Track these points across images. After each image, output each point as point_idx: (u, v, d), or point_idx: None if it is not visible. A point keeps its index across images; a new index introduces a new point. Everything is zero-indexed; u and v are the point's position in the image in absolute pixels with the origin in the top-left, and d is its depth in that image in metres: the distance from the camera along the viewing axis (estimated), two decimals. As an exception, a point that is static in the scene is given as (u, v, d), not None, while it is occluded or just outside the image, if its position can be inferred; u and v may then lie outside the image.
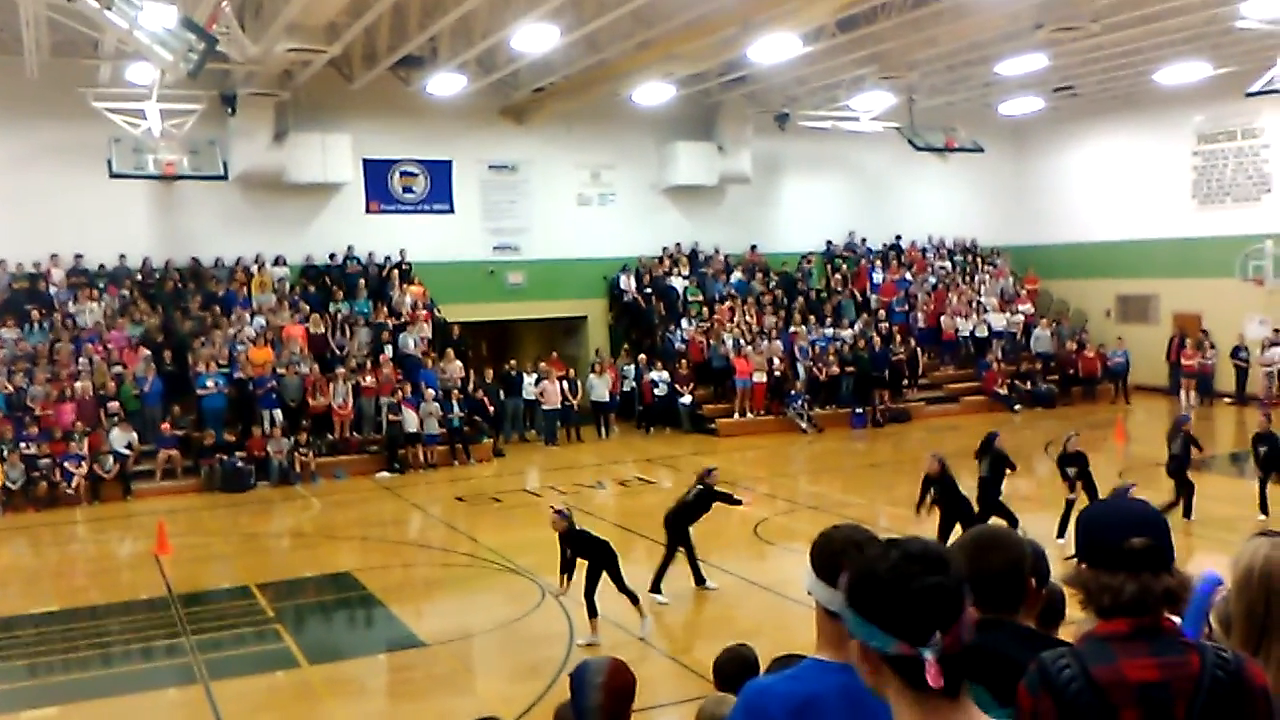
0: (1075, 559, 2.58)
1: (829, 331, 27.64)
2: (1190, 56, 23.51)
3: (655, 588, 12.38)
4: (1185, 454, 15.44)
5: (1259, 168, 27.24)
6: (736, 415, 25.51)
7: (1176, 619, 2.56)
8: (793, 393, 25.74)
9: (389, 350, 23.67)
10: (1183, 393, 27.30)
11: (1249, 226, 26.62)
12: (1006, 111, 29.48)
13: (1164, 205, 28.99)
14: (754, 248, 29.97)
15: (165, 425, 20.92)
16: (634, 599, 11.39)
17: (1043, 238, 32.20)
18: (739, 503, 13.62)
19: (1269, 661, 2.53)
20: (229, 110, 23.40)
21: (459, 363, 24.07)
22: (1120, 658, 2.37)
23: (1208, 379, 27.37)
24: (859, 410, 26.04)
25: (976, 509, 13.17)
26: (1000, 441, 14.12)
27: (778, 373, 25.93)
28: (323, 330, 23.85)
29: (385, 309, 24.87)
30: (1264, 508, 15.19)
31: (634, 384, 25.89)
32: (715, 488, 12.99)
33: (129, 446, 20.43)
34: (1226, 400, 26.85)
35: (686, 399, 25.66)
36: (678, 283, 28.18)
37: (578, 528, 11.46)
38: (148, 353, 21.93)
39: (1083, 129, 31.03)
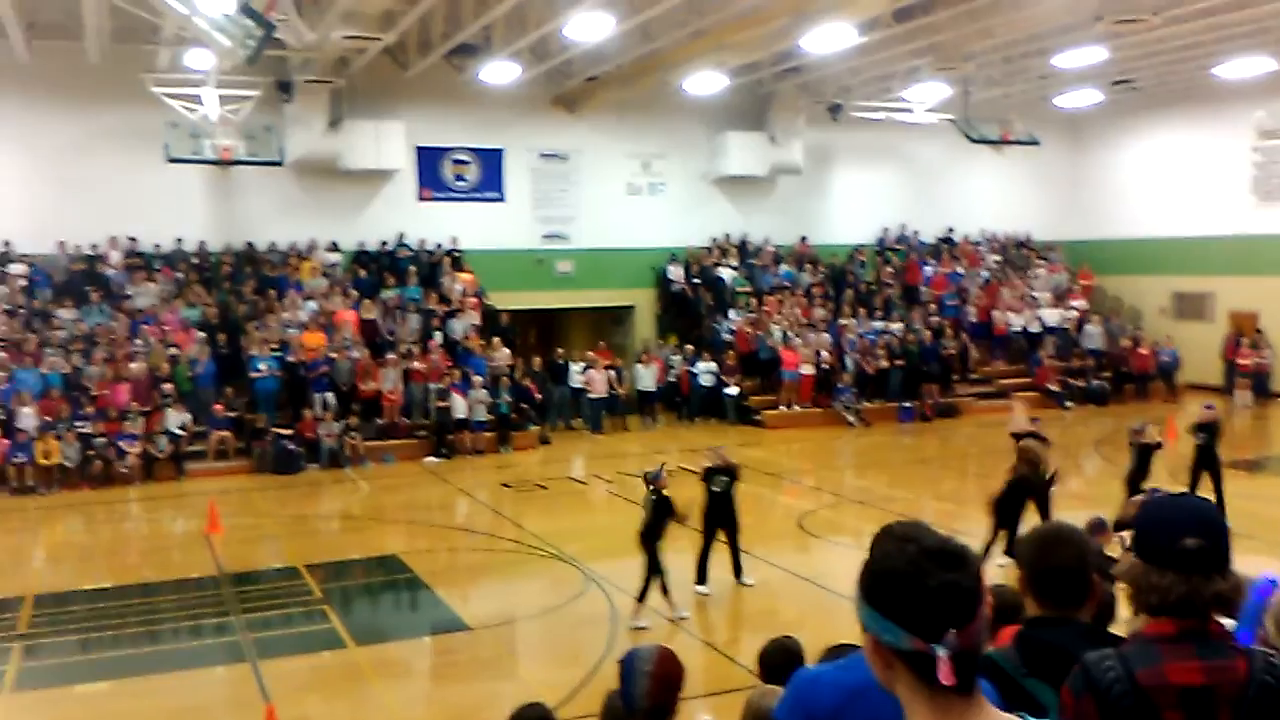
0: (1130, 552, 2.55)
1: (878, 324, 27.45)
2: (1252, 50, 23.06)
3: (700, 579, 12.34)
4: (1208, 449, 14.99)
5: (1322, 164, 26.68)
6: (783, 407, 25.42)
7: (1230, 621, 2.52)
8: (840, 386, 25.61)
9: (438, 337, 23.84)
10: (1238, 392, 26.85)
11: (1311, 224, 26.09)
12: (1063, 104, 29.07)
13: (1222, 201, 28.48)
14: (804, 239, 29.83)
15: (218, 407, 21.22)
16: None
17: (1098, 233, 31.77)
18: (683, 519, 11.72)
19: None
20: (285, 97, 23.64)
21: (507, 350, 24.19)
22: (1165, 660, 2.34)
23: (1264, 378, 26.91)
24: (907, 404, 25.86)
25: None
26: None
27: (825, 365, 25.80)
28: (374, 316, 24.06)
29: (436, 296, 25.03)
30: None
31: (680, 374, 25.88)
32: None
33: (182, 427, 20.76)
34: (1284, 401, 26.39)
35: (733, 390, 25.62)
36: (726, 273, 28.12)
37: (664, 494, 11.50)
38: (202, 335, 22.25)
39: (1141, 123, 30.55)
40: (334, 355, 22.45)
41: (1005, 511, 12.55)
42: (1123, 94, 28.47)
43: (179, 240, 24.28)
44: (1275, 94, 25.96)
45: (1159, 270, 30.16)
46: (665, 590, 11.43)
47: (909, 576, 2.00)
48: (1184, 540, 2.38)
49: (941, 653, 1.94)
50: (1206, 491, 14.38)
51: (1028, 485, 12.74)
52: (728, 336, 26.58)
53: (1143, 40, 22.19)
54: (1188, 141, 29.60)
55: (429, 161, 26.23)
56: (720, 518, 12.35)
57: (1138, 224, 30.62)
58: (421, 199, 26.29)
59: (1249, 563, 3.43)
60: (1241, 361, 27.04)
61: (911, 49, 22.76)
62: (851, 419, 25.18)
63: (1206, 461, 14.90)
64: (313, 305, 23.72)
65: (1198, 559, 2.37)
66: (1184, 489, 14.18)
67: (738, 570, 12.59)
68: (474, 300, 25.33)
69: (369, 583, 14.30)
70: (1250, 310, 27.99)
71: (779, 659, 5.35)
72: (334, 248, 25.43)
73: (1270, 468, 20.16)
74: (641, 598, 11.38)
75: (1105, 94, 28.21)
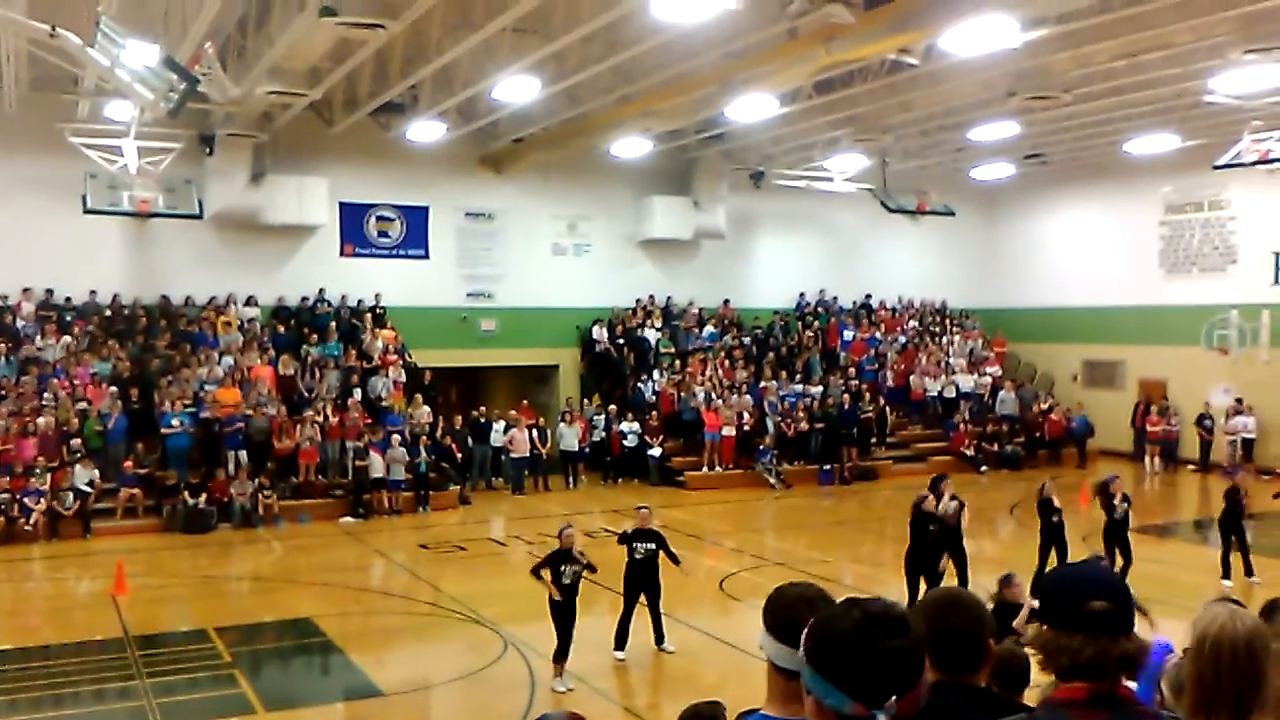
0: (1036, 621, 2.59)
1: (799, 388, 27.75)
2: (1159, 128, 23.98)
3: (619, 644, 12.20)
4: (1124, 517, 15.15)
5: (1225, 239, 27.73)
6: (705, 468, 25.49)
7: (1133, 684, 2.57)
8: (761, 447, 25.78)
9: (358, 394, 23.56)
10: (1147, 458, 27.53)
11: (1215, 296, 27.03)
12: (978, 177, 29.91)
13: (1132, 273, 29.41)
14: (727, 302, 30.15)
15: (128, 463, 20.68)
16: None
17: (1012, 301, 32.58)
18: (592, 569, 11.67)
19: None
20: (207, 150, 23.39)
21: (428, 408, 23.97)
22: (1077, 723, 2.38)
23: (1172, 445, 27.63)
24: (827, 467, 26.09)
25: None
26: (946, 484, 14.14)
27: (747, 427, 25.98)
28: (292, 372, 23.72)
29: (355, 352, 24.78)
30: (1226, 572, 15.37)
31: (604, 434, 25.86)
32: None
33: (90, 484, 20.18)
34: (1190, 467, 27.09)
35: (656, 451, 25.65)
36: (650, 334, 28.28)
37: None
38: (114, 389, 21.73)
39: (1053, 196, 31.51)
40: (249, 412, 22.05)
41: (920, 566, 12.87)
42: (1035, 168, 29.38)
43: (93, 293, 23.78)
44: (1182, 170, 26.95)
45: (1071, 339, 30.97)
46: (557, 658, 11.35)
47: (855, 643, 2.03)
48: (1090, 603, 2.43)
49: (882, 718, 1.95)
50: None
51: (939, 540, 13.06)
52: (651, 397, 26.66)
53: (1055, 116, 22.97)
54: (1098, 215, 30.59)
55: (352, 217, 26.09)
56: (643, 582, 12.25)
57: (1050, 293, 31.46)
58: (344, 254, 26.12)
59: (1162, 627, 3.50)
60: (1151, 429, 27.76)
61: (832, 120, 23.31)
62: (772, 481, 25.32)
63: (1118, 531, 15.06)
64: (229, 360, 23.32)
65: (1104, 621, 2.41)
66: (1099, 553, 14.46)
67: (659, 636, 12.46)
68: (395, 357, 25.12)
69: (281, 646, 13.94)
70: (1159, 378, 28.82)
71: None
72: (252, 302, 25.09)
73: (1179, 533, 20.64)
74: (558, 660, 11.30)
75: (1018, 167, 29.10)
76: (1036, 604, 2.85)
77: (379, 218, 26.43)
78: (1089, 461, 28.14)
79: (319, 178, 24.72)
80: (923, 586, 12.98)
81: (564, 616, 11.30)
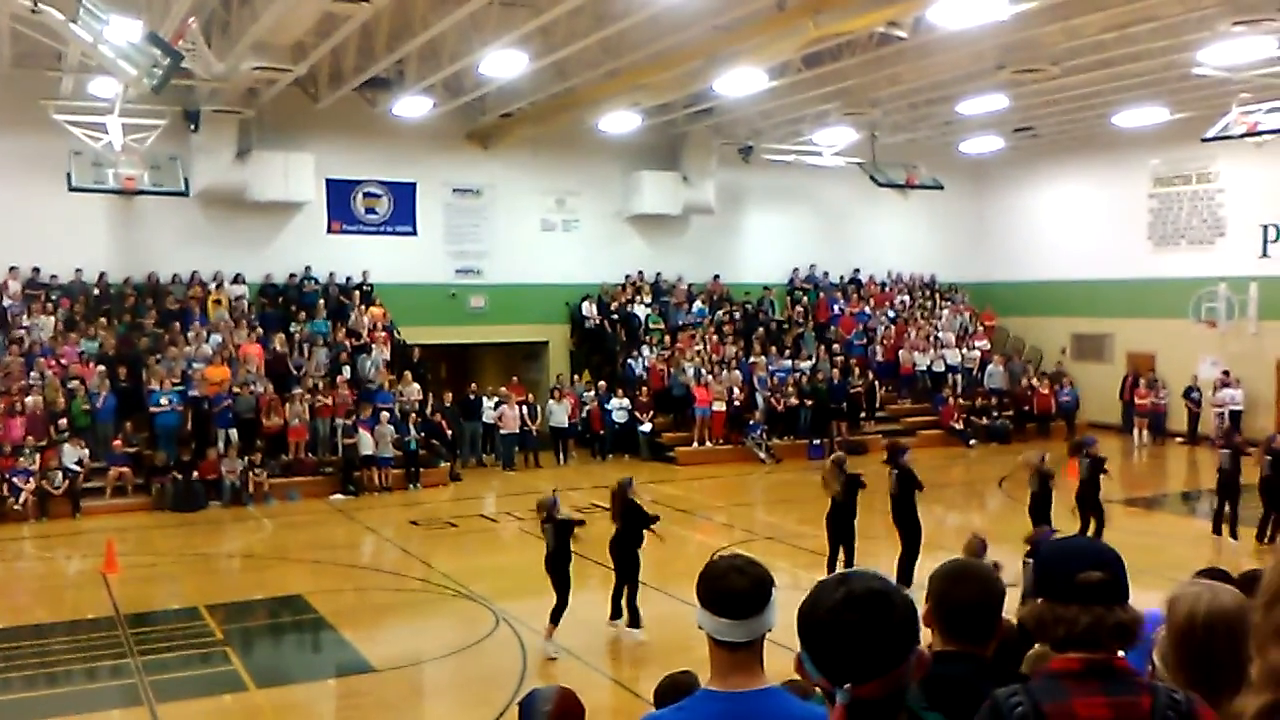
0: (1032, 595, 2.60)
1: (788, 363, 27.78)
2: (1148, 101, 23.96)
3: (616, 615, 12.25)
4: (1093, 480, 15.26)
5: (1213, 212, 27.75)
6: (695, 444, 25.53)
7: (1126, 655, 2.58)
8: (751, 422, 25.82)
9: (346, 371, 23.51)
10: (1135, 431, 27.65)
11: (1203, 269, 27.09)
12: (967, 150, 29.86)
13: (1120, 246, 29.43)
14: (716, 277, 30.12)
15: (117, 442, 20.63)
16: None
17: (1001, 275, 32.59)
18: (581, 523, 12.02)
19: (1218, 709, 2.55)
20: (192, 126, 23.24)
21: (417, 385, 23.94)
22: (1073, 695, 2.38)
23: (1160, 418, 27.75)
24: (816, 441, 26.14)
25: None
26: (909, 458, 14.18)
27: (737, 402, 26.01)
28: (280, 350, 23.66)
29: (344, 330, 24.71)
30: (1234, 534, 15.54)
31: (593, 410, 25.87)
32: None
33: (79, 463, 20.12)
34: (1178, 440, 27.21)
35: (646, 426, 25.67)
36: (640, 310, 28.26)
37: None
38: (102, 368, 21.64)
39: (1042, 169, 31.49)
40: (238, 390, 22.00)
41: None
42: (1024, 141, 29.35)
43: (79, 271, 23.66)
44: (1170, 143, 26.95)
45: (1060, 312, 31.02)
46: (554, 618, 11.43)
47: (827, 622, 2.03)
48: (1085, 573, 2.44)
49: (839, 699, 1.96)
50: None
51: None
52: (641, 373, 26.66)
53: (1043, 89, 22.92)
54: (1087, 188, 30.58)
55: (339, 194, 25.97)
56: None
57: (1039, 267, 31.48)
58: (331, 231, 26.01)
59: (1147, 598, 3.51)
60: (1139, 402, 27.87)
61: (820, 94, 23.23)
62: (762, 455, 25.38)
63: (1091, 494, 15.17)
64: (217, 338, 23.25)
65: (1099, 591, 2.42)
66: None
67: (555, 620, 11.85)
68: (384, 335, 25.07)
69: (272, 623, 13.96)
70: (1147, 352, 28.89)
71: (672, 695, 5.35)
72: (239, 280, 24.98)
73: (1167, 505, 20.76)
74: (554, 619, 11.44)
75: (1007, 141, 29.05)
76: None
77: (366, 194, 26.30)
78: (1078, 434, 28.23)
79: (305, 154, 24.57)
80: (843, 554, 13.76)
81: (557, 577, 11.50)
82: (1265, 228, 26.45)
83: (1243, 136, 21.73)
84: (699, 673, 5.63)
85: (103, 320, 23.07)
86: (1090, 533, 14.20)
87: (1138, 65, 20.71)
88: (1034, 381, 29.14)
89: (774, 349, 28.10)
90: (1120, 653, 2.46)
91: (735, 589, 2.68)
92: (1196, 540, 16.10)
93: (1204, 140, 22.94)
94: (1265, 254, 26.46)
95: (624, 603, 12.09)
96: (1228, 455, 16.02)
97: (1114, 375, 29.21)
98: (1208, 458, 17.63)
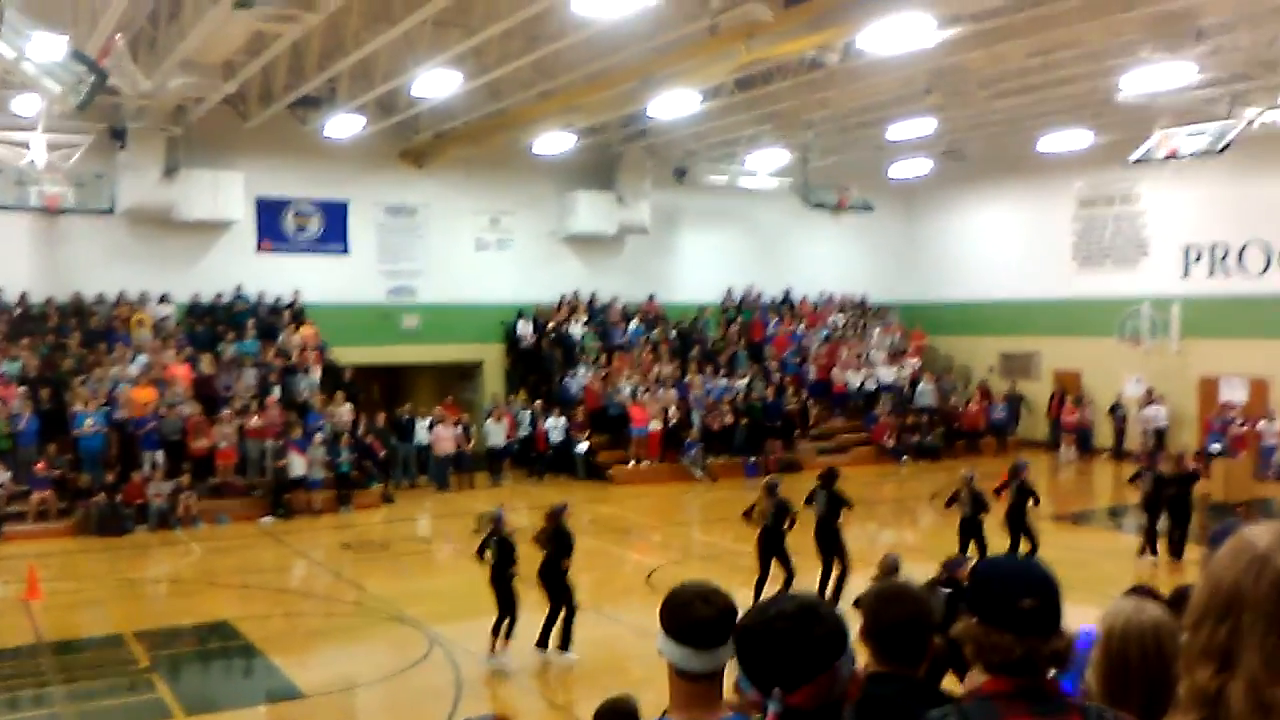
0: (968, 612, 2.62)
1: (724, 382, 27.92)
2: (1072, 125, 24.50)
3: (543, 644, 12.10)
4: (1021, 504, 15.46)
5: (1137, 233, 28.43)
6: (632, 463, 25.54)
7: (1058, 674, 2.61)
8: (687, 441, 25.89)
9: (277, 392, 23.19)
10: (1063, 448, 28.16)
11: (1127, 289, 27.74)
12: (897, 173, 30.30)
13: (1046, 267, 30.03)
14: (652, 297, 30.21)
15: (40, 465, 20.13)
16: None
17: (930, 295, 33.09)
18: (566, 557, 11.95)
19: None
20: (119, 144, 22.84)
21: (349, 406, 23.67)
22: (1003, 716, 2.40)
23: (1087, 434, 28.31)
24: (752, 459, 26.27)
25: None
26: (839, 482, 14.33)
27: (673, 421, 26.07)
28: (208, 371, 23.27)
29: (274, 350, 24.38)
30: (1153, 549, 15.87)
31: (529, 430, 25.76)
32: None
33: (1, 486, 19.60)
34: (1104, 455, 27.76)
35: (583, 446, 25.62)
36: (576, 330, 28.24)
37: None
38: (23, 390, 21.12)
39: (970, 191, 32.05)
40: (164, 412, 21.60)
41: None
42: (952, 164, 29.85)
43: (-1, 290, 23.13)
44: (1094, 166, 27.59)
45: (988, 331, 31.55)
46: (501, 632, 11.45)
47: (758, 634, 2.05)
48: (1021, 600, 2.44)
49: (772, 707, 1.98)
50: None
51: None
52: (577, 393, 26.62)
53: (971, 113, 23.36)
54: (1014, 209, 31.19)
55: (269, 213, 25.66)
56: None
57: (968, 287, 32.01)
58: (261, 250, 25.68)
59: (1079, 614, 3.57)
60: (1066, 419, 28.40)
61: (753, 116, 23.46)
62: (698, 474, 25.44)
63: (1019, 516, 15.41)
64: (143, 359, 22.80)
65: (1034, 619, 2.43)
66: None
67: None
68: (315, 355, 24.77)
69: (200, 650, 13.67)
70: (1074, 370, 29.48)
71: (612, 719, 5.33)
72: (166, 300, 24.56)
73: (1094, 521, 21.15)
74: (496, 632, 11.45)
75: (936, 163, 29.52)
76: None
77: (297, 213, 26.02)
78: (1007, 451, 28.70)
79: (235, 172, 24.27)
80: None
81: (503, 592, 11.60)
82: (1187, 248, 27.16)
83: (1164, 160, 22.28)
84: (637, 695, 5.63)
85: (25, 341, 22.51)
86: (1022, 553, 14.39)
87: (1062, 90, 21.20)
88: (977, 395, 29.60)
89: (709, 368, 28.24)
90: (1052, 672, 2.48)
91: (700, 618, 2.63)
92: (1124, 555, 16.40)
93: (1127, 164, 23.48)
94: (1187, 274, 27.16)
95: (556, 628, 11.93)
96: (1156, 475, 16.36)
97: (1041, 393, 29.76)
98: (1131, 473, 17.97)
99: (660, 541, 19.44)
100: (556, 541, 11.84)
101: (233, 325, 24.61)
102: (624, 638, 12.98)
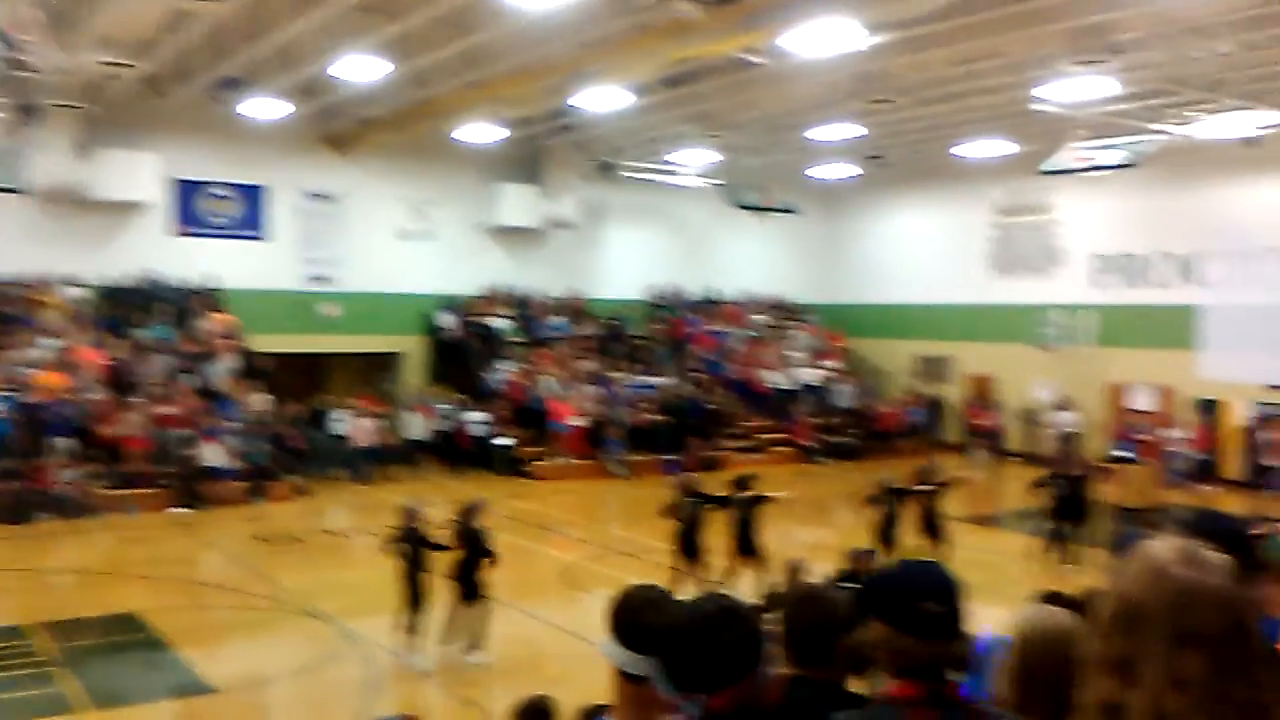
0: (872, 616, 2.66)
1: (646, 379, 28.00)
2: (991, 134, 24.97)
3: (449, 640, 11.98)
4: (933, 505, 15.77)
5: (1051, 242, 29.09)
6: (553, 459, 25.48)
7: (964, 677, 2.67)
8: (609, 438, 25.91)
9: (190, 380, 22.72)
10: (974, 451, 28.69)
11: (1040, 296, 28.37)
12: (821, 176, 30.63)
13: (962, 273, 30.61)
14: (576, 293, 30.16)
15: (-62, 451, 19.53)
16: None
17: (851, 297, 33.52)
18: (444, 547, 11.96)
19: None
20: (30, 121, 22.11)
21: (264, 395, 23.29)
22: (906, 721, 2.45)
23: (998, 438, 28.89)
24: (672, 457, 26.35)
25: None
26: (753, 485, 14.36)
27: (595, 418, 26.07)
28: (120, 356, 22.73)
29: (188, 336, 23.89)
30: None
31: (450, 423, 25.56)
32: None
33: (-105, 472, 18.99)
34: (1015, 460, 28.33)
35: (503, 441, 25.50)
36: (499, 323, 28.08)
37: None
38: (-78, 372, 20.47)
39: (891, 197, 32.52)
40: (74, 397, 21.06)
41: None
42: (874, 169, 30.23)
43: (-101, 269, 22.34)
44: (1012, 175, 28.11)
45: (905, 334, 32.05)
46: (413, 630, 11.30)
47: (675, 638, 2.05)
48: (925, 605, 2.50)
49: (689, 710, 1.99)
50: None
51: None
52: (499, 386, 26.49)
53: (893, 120, 23.68)
54: (933, 216, 31.73)
55: (186, 195, 25.12)
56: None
57: (887, 291, 32.49)
58: (176, 234, 25.12)
59: (987, 616, 3.65)
60: (978, 422, 28.96)
61: (680, 114, 23.53)
62: (619, 471, 25.48)
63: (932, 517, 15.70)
64: (53, 343, 22.19)
65: (938, 624, 2.48)
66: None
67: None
68: (231, 342, 24.32)
69: (106, 643, 13.33)
70: (986, 374, 30.08)
71: (529, 718, 5.32)
72: (78, 282, 23.92)
73: (1005, 523, 21.58)
74: (408, 629, 11.33)
75: (859, 168, 29.90)
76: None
77: (214, 196, 25.50)
78: (922, 453, 29.15)
79: (151, 153, 23.71)
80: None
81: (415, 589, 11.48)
82: (1098, 258, 27.86)
83: (1079, 171, 22.81)
84: (553, 692, 5.62)
85: (-75, 321, 21.81)
86: (932, 555, 14.65)
87: (982, 100, 21.58)
88: (906, 398, 30.03)
89: (632, 365, 28.28)
90: (956, 678, 2.54)
91: (647, 624, 2.64)
92: (1031, 558, 16.76)
93: (1043, 173, 23.96)
94: (1098, 284, 27.86)
95: (469, 628, 11.83)
96: (1064, 479, 16.76)
97: (955, 396, 30.31)
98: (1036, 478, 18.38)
99: (580, 538, 19.44)
100: (469, 540, 11.75)
101: (146, 310, 24.05)
102: (541, 634, 12.96)
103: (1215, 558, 1.85)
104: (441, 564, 11.81)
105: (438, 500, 20.57)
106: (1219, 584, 1.80)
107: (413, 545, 11.52)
